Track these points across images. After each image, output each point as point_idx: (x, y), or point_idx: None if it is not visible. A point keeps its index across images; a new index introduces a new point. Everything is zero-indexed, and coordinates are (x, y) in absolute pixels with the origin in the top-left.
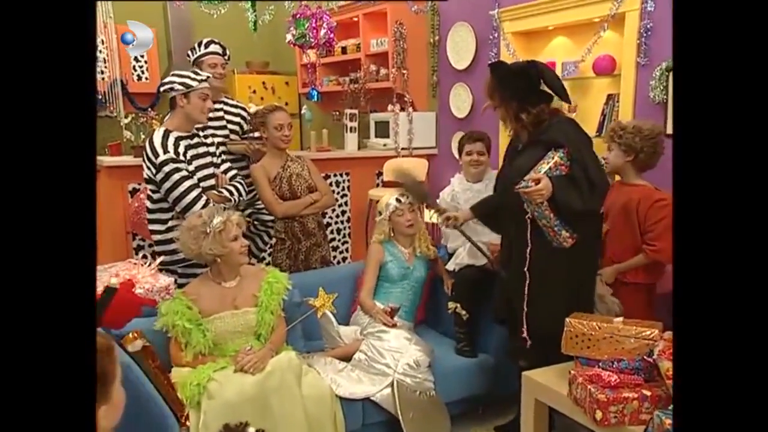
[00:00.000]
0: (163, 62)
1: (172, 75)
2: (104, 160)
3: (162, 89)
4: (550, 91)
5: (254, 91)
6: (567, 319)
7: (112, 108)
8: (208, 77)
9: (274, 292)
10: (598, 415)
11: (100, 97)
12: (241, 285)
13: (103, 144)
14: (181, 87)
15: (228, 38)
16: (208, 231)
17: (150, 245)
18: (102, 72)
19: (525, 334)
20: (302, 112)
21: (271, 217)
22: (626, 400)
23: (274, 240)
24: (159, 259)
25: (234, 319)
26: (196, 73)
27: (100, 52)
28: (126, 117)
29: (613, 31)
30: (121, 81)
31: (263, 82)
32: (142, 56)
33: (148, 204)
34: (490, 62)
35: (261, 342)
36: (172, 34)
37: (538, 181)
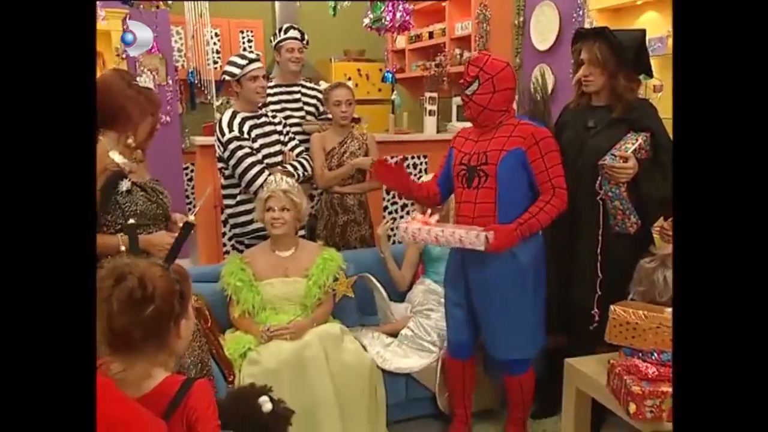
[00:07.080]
0: (269, 54)
1: (227, 64)
2: (198, 139)
3: (222, 77)
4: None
5: (349, 78)
6: (612, 307)
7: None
8: (257, 58)
9: (326, 269)
10: (632, 407)
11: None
12: (296, 256)
13: (200, 126)
14: (228, 76)
15: (331, 29)
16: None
17: None
18: (215, 62)
19: (597, 317)
20: (392, 97)
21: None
22: (664, 394)
23: (314, 210)
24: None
25: (283, 286)
26: (243, 57)
27: (216, 44)
28: (217, 100)
29: None
30: None
31: (358, 69)
32: (251, 48)
33: (222, 181)
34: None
35: (307, 313)
36: (278, 27)
37: (625, 160)
